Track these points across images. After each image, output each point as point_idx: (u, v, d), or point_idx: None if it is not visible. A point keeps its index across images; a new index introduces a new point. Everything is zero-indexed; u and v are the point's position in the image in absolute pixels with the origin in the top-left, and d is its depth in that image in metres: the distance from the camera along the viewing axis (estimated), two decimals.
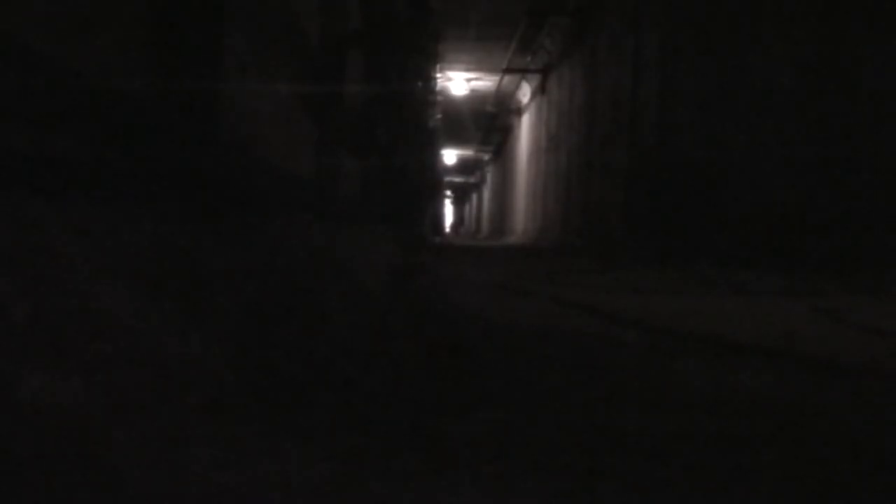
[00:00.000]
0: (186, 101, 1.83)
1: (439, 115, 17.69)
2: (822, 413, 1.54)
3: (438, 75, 15.35)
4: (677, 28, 7.58)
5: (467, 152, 28.21)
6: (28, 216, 1.09)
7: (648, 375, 1.89)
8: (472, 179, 35.21)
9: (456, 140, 24.92)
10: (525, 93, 18.27)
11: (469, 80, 17.65)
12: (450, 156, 28.89)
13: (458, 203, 42.43)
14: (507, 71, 16.55)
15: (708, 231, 6.70)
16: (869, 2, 6.46)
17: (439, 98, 16.70)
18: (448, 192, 35.88)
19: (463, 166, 31.62)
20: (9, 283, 0.98)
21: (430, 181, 15.74)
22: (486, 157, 28.60)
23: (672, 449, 1.24)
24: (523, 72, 16.50)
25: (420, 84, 10.03)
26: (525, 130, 18.91)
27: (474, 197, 37.39)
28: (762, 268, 5.57)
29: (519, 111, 19.76)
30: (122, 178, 1.47)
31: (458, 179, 35.56)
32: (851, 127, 6.27)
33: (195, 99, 1.86)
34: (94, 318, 1.08)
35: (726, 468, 1.16)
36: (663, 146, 7.68)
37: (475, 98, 18.93)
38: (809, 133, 6.42)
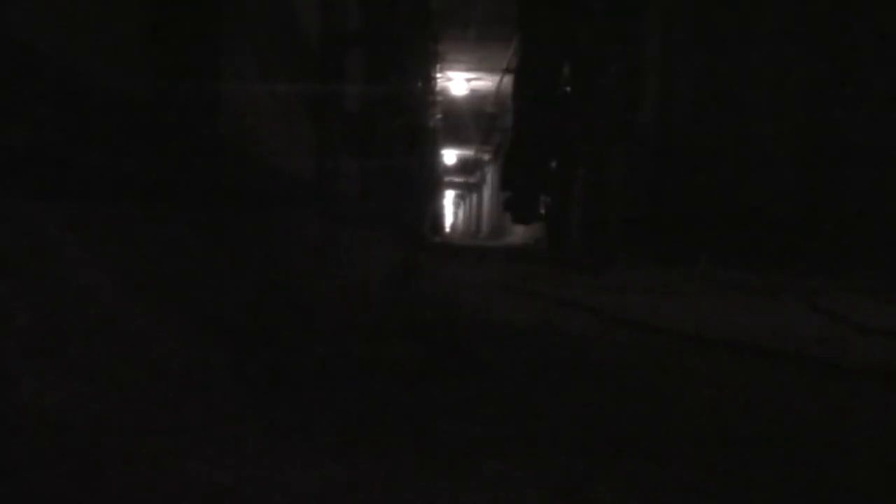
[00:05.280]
0: (186, 102, 1.83)
1: (439, 115, 17.65)
2: (820, 413, 1.54)
3: (438, 75, 15.34)
4: (677, 27, 7.57)
5: (467, 152, 28.17)
6: (28, 216, 1.09)
7: (649, 376, 1.89)
8: (471, 179, 35.11)
9: (456, 140, 24.88)
10: None
11: (469, 80, 17.63)
12: (450, 156, 28.84)
13: (459, 200, 41.79)
14: (508, 71, 16.54)
15: (708, 230, 6.69)
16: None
17: (439, 98, 16.68)
18: (455, 191, 34.97)
19: (463, 166, 31.55)
20: (9, 283, 0.98)
21: (430, 181, 15.72)
22: (486, 157, 28.56)
23: (671, 449, 1.24)
24: None
25: (420, 84, 10.02)
26: None
27: (474, 197, 37.30)
28: (762, 266, 5.57)
29: None
30: (122, 178, 1.47)
31: (458, 179, 35.42)
32: (854, 126, 6.26)
33: (195, 99, 1.86)
34: (93, 317, 1.08)
35: (722, 470, 1.16)
36: (663, 146, 7.68)
37: (475, 98, 18.91)
38: (812, 132, 6.42)
